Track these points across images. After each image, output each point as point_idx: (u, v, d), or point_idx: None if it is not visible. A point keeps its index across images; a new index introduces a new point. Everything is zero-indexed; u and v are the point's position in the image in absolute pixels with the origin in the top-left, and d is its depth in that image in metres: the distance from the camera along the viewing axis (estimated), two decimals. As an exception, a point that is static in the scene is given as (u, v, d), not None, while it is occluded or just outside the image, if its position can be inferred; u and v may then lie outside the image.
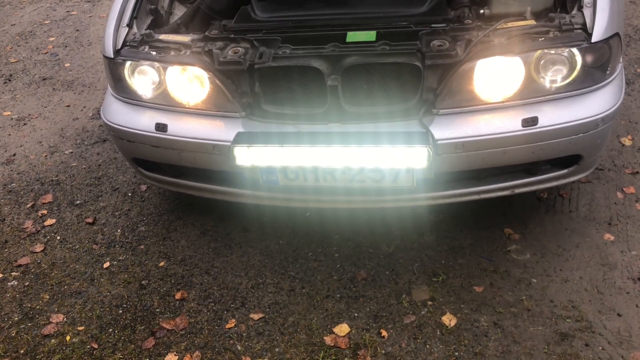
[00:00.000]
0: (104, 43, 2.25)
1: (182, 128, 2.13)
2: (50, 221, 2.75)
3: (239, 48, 2.03)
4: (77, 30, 5.12)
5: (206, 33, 2.16)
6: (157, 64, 2.12)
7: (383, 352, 1.98)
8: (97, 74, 4.25)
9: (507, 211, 2.53)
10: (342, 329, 2.07)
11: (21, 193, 2.98)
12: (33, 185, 3.03)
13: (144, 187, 2.93)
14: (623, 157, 2.79)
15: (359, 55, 1.93)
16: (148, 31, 2.24)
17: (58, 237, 2.65)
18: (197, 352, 2.03)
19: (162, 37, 2.21)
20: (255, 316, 2.16)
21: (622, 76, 2.13)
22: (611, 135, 2.90)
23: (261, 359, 2.00)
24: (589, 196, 2.58)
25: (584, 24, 1.95)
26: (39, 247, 2.59)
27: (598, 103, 1.98)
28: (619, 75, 2.08)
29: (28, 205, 2.88)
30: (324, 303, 2.19)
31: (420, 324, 2.07)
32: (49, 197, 2.92)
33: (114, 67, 2.22)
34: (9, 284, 2.41)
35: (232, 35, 2.11)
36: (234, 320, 2.15)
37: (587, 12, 1.98)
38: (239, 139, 1.97)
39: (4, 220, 2.79)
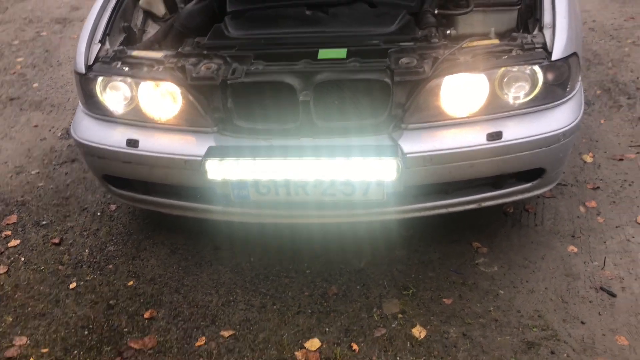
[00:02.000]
0: (76, 59, 2.25)
1: (154, 143, 2.13)
2: (14, 242, 2.69)
3: (211, 64, 2.05)
4: (47, 50, 5.07)
5: (179, 50, 2.18)
6: (129, 80, 2.13)
7: (355, 365, 1.99)
8: (67, 94, 4.21)
9: (475, 225, 2.58)
10: (313, 343, 2.07)
11: (-15, 214, 2.91)
12: (-3, 206, 2.97)
13: (113, 207, 2.89)
14: (585, 173, 2.89)
15: (330, 71, 1.98)
16: (121, 47, 2.25)
17: (22, 259, 2.59)
18: (166, 371, 2.00)
19: (135, 53, 2.22)
20: (226, 333, 2.14)
21: (582, 94, 2.23)
22: (573, 153, 3.01)
23: (232, 376, 1.98)
24: (554, 210, 2.66)
25: (545, 44, 2.04)
26: (1, 269, 2.52)
27: (559, 118, 2.06)
28: (578, 92, 2.18)
29: (-8, 226, 2.81)
30: (295, 319, 2.18)
31: (390, 337, 2.08)
32: (13, 218, 2.86)
33: (85, 83, 2.22)
34: (-30, 306, 2.34)
35: (205, 52, 2.13)
36: (204, 337, 2.13)
37: (547, 32, 2.08)
38: (210, 152, 1.98)
39: (-33, 241, 2.72)
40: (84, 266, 2.51)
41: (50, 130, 3.71)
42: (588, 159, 3.00)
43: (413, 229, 2.56)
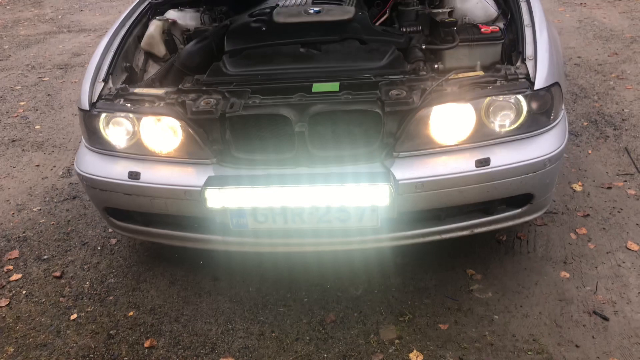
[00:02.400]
0: (80, 97, 2.35)
1: (155, 175, 2.20)
2: (15, 276, 2.73)
3: (210, 99, 2.15)
4: (49, 94, 5.21)
5: (179, 86, 2.28)
6: (131, 115, 2.22)
7: (353, 390, 2.01)
8: (68, 135, 4.32)
9: (469, 253, 2.63)
10: (312, 369, 2.10)
11: (-13, 249, 2.96)
12: None
13: (113, 241, 2.95)
14: (575, 201, 2.96)
15: (324, 103, 2.07)
16: (123, 85, 2.35)
17: (24, 292, 2.62)
18: (166, 398, 2.02)
19: (137, 90, 2.32)
20: (225, 361, 2.16)
21: (565, 122, 2.32)
22: (563, 182, 3.09)
23: (232, 402, 1.99)
24: (545, 238, 2.72)
25: (527, 74, 2.14)
26: (3, 302, 2.55)
27: (544, 145, 2.15)
28: (562, 120, 2.27)
29: (-6, 261, 2.86)
30: (293, 345, 2.21)
31: (388, 362, 2.11)
32: (15, 253, 2.90)
33: (88, 119, 2.31)
34: (-28, 338, 2.36)
35: (204, 88, 2.23)
36: (203, 365, 2.15)
37: (529, 64, 2.19)
38: (210, 181, 2.06)
39: (-31, 276, 2.76)
40: (85, 298, 2.54)
41: (51, 170, 3.79)
42: (577, 187, 3.08)
43: (408, 257, 2.61)
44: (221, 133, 2.13)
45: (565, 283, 2.44)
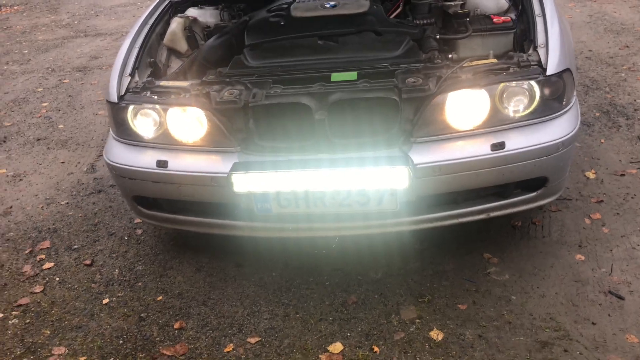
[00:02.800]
0: (108, 90, 2.46)
1: (182, 163, 2.30)
2: (48, 265, 2.84)
3: (234, 90, 2.24)
4: (70, 95, 5.35)
5: (203, 79, 2.38)
6: (158, 107, 2.32)
7: (376, 366, 2.09)
8: (91, 133, 4.44)
9: (485, 238, 2.70)
10: (336, 347, 2.18)
11: (19, 241, 3.08)
12: (30, 234, 3.13)
13: (139, 231, 3.05)
14: (588, 188, 3.02)
15: (343, 92, 2.15)
16: (149, 78, 2.46)
17: (57, 279, 2.73)
18: (197, 375, 2.11)
19: (163, 83, 2.42)
20: (252, 340, 2.25)
21: (577, 107, 2.39)
22: (576, 170, 3.15)
23: (259, 378, 2.08)
24: (560, 223, 2.78)
25: (539, 61, 2.22)
26: (38, 288, 2.67)
27: (558, 129, 2.22)
28: (574, 106, 2.34)
29: (26, 252, 2.97)
30: (317, 325, 2.30)
31: (409, 340, 2.19)
32: (46, 244, 3.02)
33: (117, 111, 2.41)
34: (9, 322, 2.47)
35: (227, 79, 2.33)
36: (231, 344, 2.24)
37: (541, 51, 2.26)
38: (236, 167, 2.15)
39: (3, 265, 2.88)
40: (115, 284, 2.65)
41: (76, 166, 3.91)
42: (591, 175, 3.13)
43: (426, 242, 2.68)
44: (244, 122, 2.22)
45: (581, 265, 2.50)
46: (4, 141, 4.43)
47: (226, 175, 2.18)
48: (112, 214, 3.24)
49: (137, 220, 3.14)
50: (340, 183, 2.10)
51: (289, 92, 2.19)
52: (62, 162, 3.98)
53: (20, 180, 3.77)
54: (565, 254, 2.58)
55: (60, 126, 4.63)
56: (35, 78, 6.02)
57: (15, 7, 10.42)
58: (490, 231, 2.74)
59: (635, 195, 2.93)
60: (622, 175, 3.10)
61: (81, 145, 4.24)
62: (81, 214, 3.28)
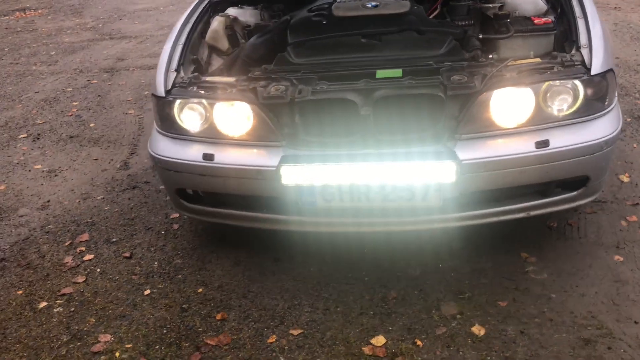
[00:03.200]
0: (155, 85, 2.51)
1: (228, 157, 2.35)
2: (88, 256, 2.89)
3: (280, 86, 2.29)
4: (99, 95, 5.43)
5: (249, 75, 2.42)
6: (205, 101, 2.37)
7: (419, 358, 2.10)
8: (121, 131, 4.51)
9: (522, 239, 2.71)
10: (379, 340, 2.20)
11: (58, 233, 3.13)
12: (69, 227, 3.19)
13: (176, 226, 3.10)
14: (623, 191, 3.03)
15: (389, 88, 2.19)
16: (195, 74, 2.51)
17: (98, 270, 2.78)
18: (242, 364, 2.14)
19: (209, 78, 2.48)
20: (295, 332, 2.28)
21: (619, 108, 2.41)
22: (610, 174, 3.15)
23: (304, 369, 2.11)
24: (596, 225, 2.79)
25: (583, 61, 2.24)
26: (80, 279, 2.71)
27: (601, 128, 2.24)
28: (616, 106, 2.36)
29: (66, 244, 3.02)
30: (358, 319, 2.32)
31: (451, 335, 2.20)
32: (85, 236, 3.07)
33: (163, 105, 2.46)
34: (54, 310, 2.52)
35: (273, 76, 2.37)
36: (274, 336, 2.27)
37: (584, 51, 2.29)
38: (285, 159, 2.19)
39: (44, 256, 2.93)
40: (155, 276, 2.69)
41: (109, 163, 3.97)
42: (625, 179, 3.14)
43: (462, 242, 2.69)
44: (290, 117, 2.26)
45: (619, 266, 2.50)
46: (38, 138, 4.51)
47: (272, 168, 2.22)
48: (147, 209, 3.29)
49: (174, 215, 3.19)
50: (387, 176, 2.14)
51: (335, 88, 2.22)
52: (96, 159, 4.04)
53: (56, 175, 3.84)
54: (603, 254, 2.59)
55: (92, 124, 4.71)
56: (64, 78, 6.12)
57: (40, 11, 10.60)
58: (526, 231, 2.75)
59: (671, 198, 2.93)
60: (657, 179, 3.10)
61: (113, 143, 4.30)
62: (117, 208, 3.33)
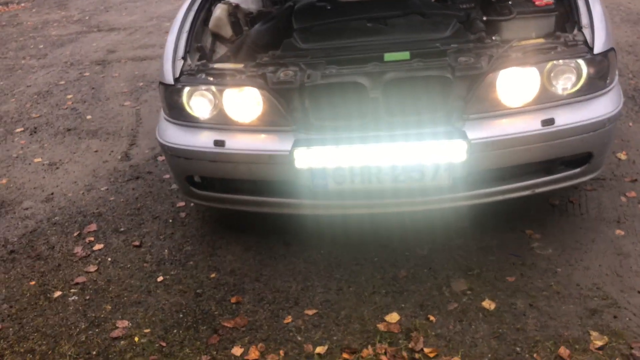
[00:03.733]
0: (163, 74, 2.52)
1: (239, 143, 2.38)
2: (98, 246, 2.91)
3: (289, 71, 2.31)
4: (93, 88, 5.40)
5: (257, 60, 2.44)
6: (213, 88, 2.39)
7: (433, 333, 2.17)
8: (119, 123, 4.50)
9: (525, 216, 2.78)
10: (393, 317, 2.25)
11: (66, 224, 3.14)
12: (76, 218, 3.20)
13: (183, 214, 3.12)
14: (621, 168, 3.10)
15: (398, 71, 2.23)
16: (203, 61, 2.53)
17: (109, 259, 2.80)
18: (260, 344, 2.18)
19: (217, 65, 2.50)
20: (310, 312, 2.33)
21: (619, 87, 2.47)
22: (609, 152, 3.22)
23: (322, 346, 2.15)
24: (596, 201, 2.86)
25: (585, 41, 2.30)
26: (92, 268, 2.74)
27: (604, 106, 2.30)
28: (617, 85, 2.42)
29: (74, 234, 3.04)
30: (371, 297, 2.37)
31: (463, 309, 2.26)
32: (93, 227, 3.09)
33: (171, 93, 2.48)
34: (69, 299, 2.54)
35: (281, 61, 2.40)
36: (290, 316, 2.32)
37: (586, 32, 2.34)
38: (298, 143, 2.23)
39: (54, 247, 2.94)
40: (167, 263, 2.72)
41: (110, 154, 3.97)
42: (622, 156, 3.21)
43: (467, 221, 2.75)
44: (300, 102, 2.29)
45: (621, 240, 2.58)
46: (35, 132, 4.49)
47: (285, 152, 2.26)
48: (153, 199, 3.31)
49: (180, 204, 3.21)
50: (398, 157, 2.18)
51: (344, 72, 2.26)
52: (96, 151, 4.04)
53: (57, 168, 3.84)
54: (605, 229, 2.66)
55: (88, 117, 4.69)
56: (55, 72, 6.08)
57: (23, 4, 10.47)
58: (529, 209, 2.82)
59: (667, 174, 3.01)
60: (653, 155, 3.18)
61: (112, 135, 4.30)
62: (122, 199, 3.35)
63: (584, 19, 2.40)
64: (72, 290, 2.60)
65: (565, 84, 2.26)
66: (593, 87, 2.29)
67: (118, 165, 3.79)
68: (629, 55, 4.56)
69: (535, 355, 2.04)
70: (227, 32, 2.95)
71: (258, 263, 2.66)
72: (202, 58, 2.70)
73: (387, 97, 2.23)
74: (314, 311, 2.33)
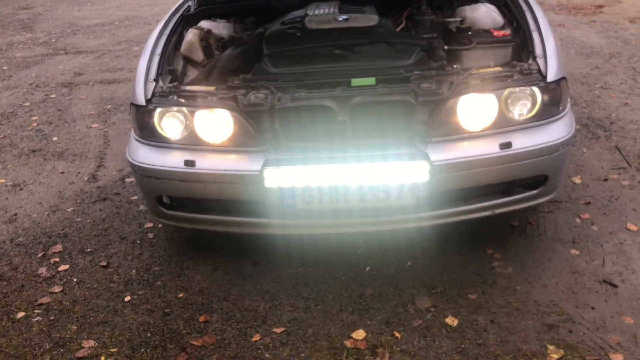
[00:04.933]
0: (135, 95, 2.56)
1: (210, 163, 2.42)
2: (64, 267, 2.88)
3: (259, 94, 2.39)
4: (59, 110, 5.36)
5: (228, 84, 2.51)
6: (185, 109, 2.44)
7: (399, 349, 2.22)
8: (86, 145, 4.48)
9: (487, 237, 2.89)
10: (359, 334, 2.30)
11: (30, 245, 3.10)
12: (40, 239, 3.16)
13: (151, 235, 3.12)
14: (576, 192, 3.26)
15: (364, 95, 2.33)
16: (175, 83, 2.58)
17: (75, 279, 2.78)
18: (229, 362, 2.20)
19: (189, 87, 2.55)
20: (278, 330, 2.36)
21: (571, 114, 2.62)
22: (564, 176, 3.39)
23: (290, 363, 2.18)
24: (553, 222, 3.00)
25: (539, 69, 2.45)
26: (57, 289, 2.71)
27: (557, 131, 2.45)
28: (569, 112, 2.58)
29: (39, 255, 3.00)
30: (338, 315, 2.42)
31: (427, 326, 2.33)
32: (58, 247, 3.06)
33: (142, 114, 2.52)
34: (33, 319, 2.51)
35: (252, 84, 2.47)
36: (258, 334, 2.34)
37: (540, 61, 2.49)
38: (268, 162, 2.29)
39: (17, 268, 2.90)
40: (134, 283, 2.71)
41: (76, 175, 3.94)
42: (577, 180, 3.38)
43: (432, 241, 2.84)
44: (270, 123, 2.36)
45: (576, 259, 2.71)
46: (-2, 153, 4.43)
47: (255, 172, 2.31)
48: (120, 220, 3.30)
49: (148, 224, 3.21)
50: (364, 177, 2.26)
51: (313, 96, 2.34)
52: (62, 172, 4.01)
53: (21, 189, 3.79)
54: (561, 249, 2.79)
55: (54, 138, 4.65)
56: (20, 93, 6.01)
57: (-13, 26, 10.33)
58: (490, 230, 2.93)
59: (618, 197, 3.18)
60: (605, 180, 3.35)
61: (78, 157, 4.27)
62: (89, 220, 3.33)
63: (538, 50, 2.56)
64: (36, 311, 2.56)
65: (521, 109, 2.39)
66: (547, 113, 2.44)
67: (85, 186, 3.77)
68: (583, 86, 4.81)
69: (496, 369, 2.12)
70: (199, 56, 3.02)
71: (226, 282, 2.68)
72: (173, 80, 2.75)
73: (354, 120, 2.32)
74: (282, 329, 2.36)
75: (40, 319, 2.51)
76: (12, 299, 2.67)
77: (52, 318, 2.51)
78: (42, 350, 2.32)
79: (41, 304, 2.60)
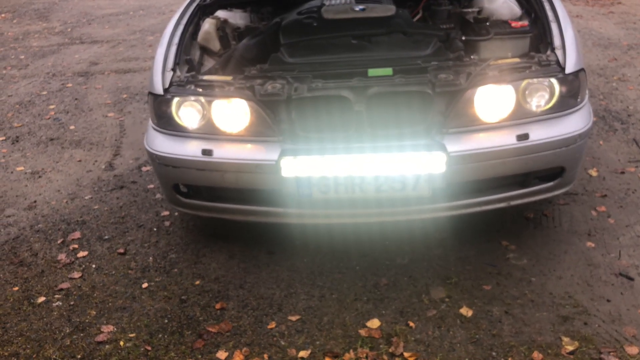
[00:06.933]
0: (153, 84, 2.59)
1: (227, 152, 2.44)
2: (82, 253, 2.93)
3: (276, 84, 2.40)
4: (76, 99, 5.42)
5: (246, 73, 2.52)
6: (202, 99, 2.46)
7: (413, 339, 2.24)
8: (103, 134, 4.52)
9: (502, 228, 2.89)
10: (374, 323, 2.32)
11: (49, 232, 3.16)
12: (59, 225, 3.21)
13: (167, 223, 3.16)
14: (592, 184, 3.25)
15: (380, 85, 2.33)
16: (192, 73, 2.60)
17: (93, 266, 2.82)
18: (245, 349, 2.23)
19: (206, 77, 2.57)
20: (293, 318, 2.38)
21: (589, 106, 2.61)
22: (581, 168, 3.37)
23: (305, 351, 2.21)
24: (569, 215, 2.99)
25: (558, 61, 2.43)
26: (76, 274, 2.75)
27: (575, 123, 2.43)
28: (587, 104, 2.56)
29: (58, 242, 3.05)
30: (353, 304, 2.44)
31: (441, 316, 2.35)
32: (77, 234, 3.10)
33: (160, 103, 2.54)
34: (53, 304, 2.56)
35: (269, 74, 2.48)
36: (273, 322, 2.37)
37: (558, 52, 2.48)
38: (285, 152, 2.30)
39: (37, 254, 2.95)
40: (151, 270, 2.75)
41: (94, 164, 3.99)
42: (593, 173, 3.36)
43: (446, 232, 2.85)
44: (287, 113, 2.38)
45: (592, 251, 2.70)
46: (17, 141, 4.49)
47: (272, 162, 2.33)
48: (137, 208, 3.34)
49: (164, 212, 3.25)
50: (381, 168, 2.27)
51: (329, 86, 2.35)
52: (79, 161, 4.06)
53: (40, 177, 3.84)
54: (577, 241, 2.78)
55: (71, 127, 4.70)
56: (37, 82, 6.07)
57: (3, 15, 10.41)
58: (505, 222, 2.93)
59: (635, 190, 3.16)
60: (622, 173, 3.33)
61: (95, 145, 4.32)
62: (107, 207, 3.37)
63: (557, 41, 2.54)
64: (56, 296, 2.61)
65: (539, 101, 2.38)
66: (565, 104, 2.42)
67: (102, 174, 3.81)
68: (600, 78, 4.76)
69: (510, 359, 2.13)
70: (215, 45, 3.03)
71: (242, 271, 2.71)
72: (190, 70, 2.77)
73: (370, 110, 2.33)
74: (297, 317, 2.38)
75: (60, 303, 2.56)
76: (32, 284, 2.72)
77: (72, 303, 2.56)
78: (62, 334, 2.37)
79: (61, 289, 2.65)
